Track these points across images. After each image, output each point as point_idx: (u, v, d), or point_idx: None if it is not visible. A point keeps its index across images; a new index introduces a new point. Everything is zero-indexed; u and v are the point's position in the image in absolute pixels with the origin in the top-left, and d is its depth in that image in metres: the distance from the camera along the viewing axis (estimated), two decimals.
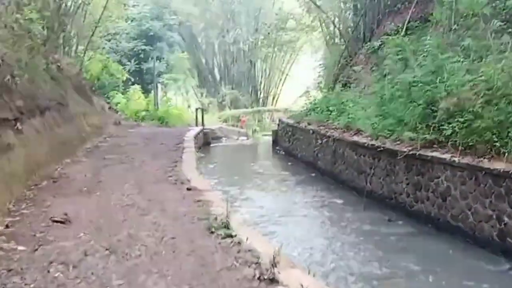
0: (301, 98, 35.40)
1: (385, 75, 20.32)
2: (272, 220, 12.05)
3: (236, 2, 56.54)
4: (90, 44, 26.67)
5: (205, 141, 26.83)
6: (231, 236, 6.78)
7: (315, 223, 11.71)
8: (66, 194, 9.65)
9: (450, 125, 10.13)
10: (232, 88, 56.88)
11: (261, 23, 55.88)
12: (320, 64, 37.19)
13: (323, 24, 35.95)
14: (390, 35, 19.96)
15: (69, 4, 22.66)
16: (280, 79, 59.87)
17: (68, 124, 15.83)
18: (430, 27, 18.66)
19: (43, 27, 15.45)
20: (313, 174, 17.99)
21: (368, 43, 27.42)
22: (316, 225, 11.48)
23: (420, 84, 11.91)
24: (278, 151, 26.02)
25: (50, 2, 19.44)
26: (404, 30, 20.01)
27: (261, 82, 60.83)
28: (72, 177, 11.47)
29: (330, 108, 17.88)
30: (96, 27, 25.87)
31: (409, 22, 21.54)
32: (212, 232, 7.04)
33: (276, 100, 61.08)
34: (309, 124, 19.91)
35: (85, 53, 26.18)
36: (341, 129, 16.11)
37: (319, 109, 19.45)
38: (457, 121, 9.91)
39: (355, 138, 14.41)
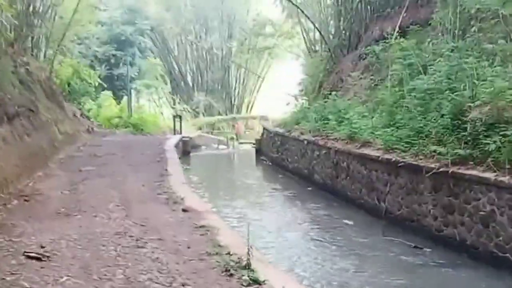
0: (283, 105, 34.34)
1: (377, 81, 19.28)
2: (275, 245, 10.54)
3: (210, 8, 55.28)
4: (60, 48, 24.91)
5: (185, 150, 25.33)
6: (258, 282, 5.36)
7: (329, 250, 10.06)
8: (40, 217, 8.13)
9: (491, 139, 8.74)
10: (206, 95, 55.66)
11: (237, 28, 54.89)
12: (301, 71, 36.01)
13: (304, 30, 34.88)
14: (386, 40, 18.87)
15: (37, 5, 21.06)
16: (255, 86, 58.88)
17: (39, 133, 14.33)
18: (431, 31, 17.58)
19: (12, 15, 13.80)
20: (309, 188, 16.53)
21: (356, 50, 26.40)
22: (330, 253, 9.83)
23: (447, 91, 10.56)
24: (264, 162, 24.57)
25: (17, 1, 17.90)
26: (400, 34, 18.81)
27: (235, 89, 59.73)
28: (46, 195, 9.94)
29: (329, 117, 16.42)
30: (66, 30, 24.13)
31: (400, 27, 20.46)
32: (231, 275, 5.61)
33: (251, 107, 60.12)
34: (302, 133, 18.48)
35: (55, 56, 24.44)
36: (343, 140, 14.68)
37: (314, 117, 17.98)
38: (503, 134, 8.53)
39: (364, 150, 12.93)
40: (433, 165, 9.81)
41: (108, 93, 34.47)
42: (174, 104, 53.18)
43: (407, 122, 11.74)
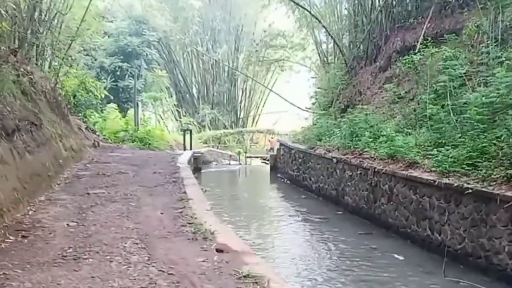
0: (292, 119, 33.24)
1: (403, 93, 17.87)
2: (314, 283, 9.00)
3: (218, 19, 54.27)
4: (66, 58, 23.51)
5: (196, 166, 23.86)
6: None
7: None
8: (41, 263, 6.44)
9: None
10: (212, 108, 54.48)
11: (245, 40, 53.89)
12: (314, 84, 34.70)
13: (317, 42, 33.68)
14: (412, 50, 17.62)
15: (43, 12, 19.71)
16: (261, 99, 57.78)
17: (42, 149, 12.84)
18: (467, 40, 16.29)
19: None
20: (339, 212, 15.01)
21: (375, 62, 25.14)
22: None
23: None
24: (282, 180, 23.05)
25: (21, 5, 16.54)
26: (432, 44, 17.49)
27: (241, 102, 58.64)
28: (49, 228, 8.29)
29: (365, 133, 14.84)
30: (72, 40, 22.76)
31: (425, 37, 19.19)
32: None
33: (257, 121, 59.07)
34: (328, 151, 16.94)
35: (60, 67, 23.03)
36: (382, 159, 13.13)
37: (343, 133, 16.42)
38: None
39: (413, 173, 11.34)
40: (509, 193, 8.29)
41: (113, 105, 33.31)
42: (180, 117, 51.97)
43: (466, 140, 10.24)
